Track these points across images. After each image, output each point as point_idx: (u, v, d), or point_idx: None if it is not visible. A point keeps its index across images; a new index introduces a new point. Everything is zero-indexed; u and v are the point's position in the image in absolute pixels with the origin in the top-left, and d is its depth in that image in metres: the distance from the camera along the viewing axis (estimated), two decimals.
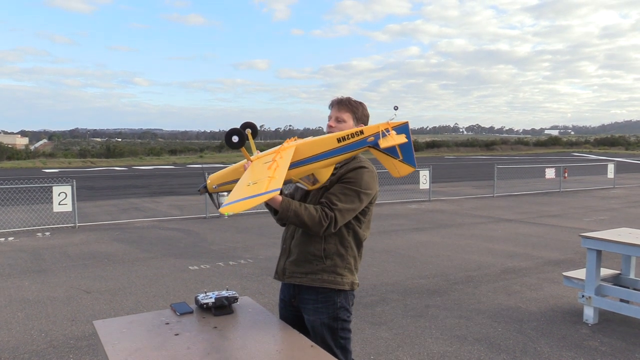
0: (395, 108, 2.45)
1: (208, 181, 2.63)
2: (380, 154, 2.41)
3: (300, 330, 2.43)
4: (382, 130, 2.36)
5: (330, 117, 2.64)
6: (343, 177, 2.49)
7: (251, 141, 2.43)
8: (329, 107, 2.67)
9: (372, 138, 2.37)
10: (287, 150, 2.38)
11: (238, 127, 2.39)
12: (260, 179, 2.15)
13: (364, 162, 2.57)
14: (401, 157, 2.40)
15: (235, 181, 2.47)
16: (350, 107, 2.61)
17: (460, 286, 6.27)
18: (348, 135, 2.38)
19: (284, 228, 2.76)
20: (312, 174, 2.45)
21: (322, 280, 2.52)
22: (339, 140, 2.39)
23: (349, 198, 2.44)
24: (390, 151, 2.38)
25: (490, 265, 7.37)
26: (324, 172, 2.45)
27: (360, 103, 2.65)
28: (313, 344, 2.23)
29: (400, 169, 2.43)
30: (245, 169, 2.46)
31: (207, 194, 2.67)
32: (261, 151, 2.53)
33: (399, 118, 2.43)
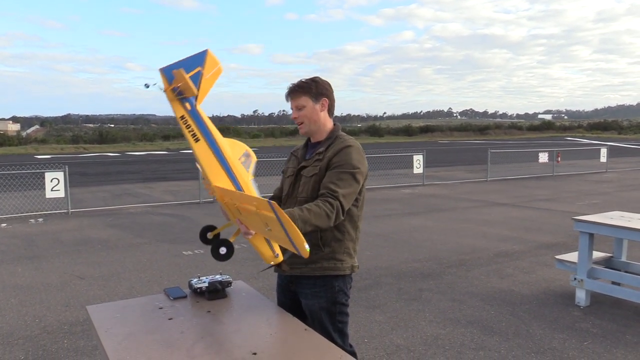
0: (146, 86, 2.16)
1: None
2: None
3: (298, 316, 2.44)
4: (179, 84, 2.11)
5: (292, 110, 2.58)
6: (332, 163, 2.45)
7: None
8: (287, 101, 2.59)
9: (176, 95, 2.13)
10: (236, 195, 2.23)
11: (224, 239, 2.31)
12: (269, 221, 1.93)
13: (347, 140, 2.53)
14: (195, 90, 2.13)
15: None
16: (302, 90, 2.53)
17: (453, 270, 6.30)
18: (185, 126, 2.19)
19: None
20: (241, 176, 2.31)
21: (323, 268, 2.50)
22: (197, 140, 2.21)
23: (347, 182, 2.41)
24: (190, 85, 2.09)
25: (483, 248, 7.41)
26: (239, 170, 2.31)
27: (312, 79, 2.56)
28: (307, 327, 2.23)
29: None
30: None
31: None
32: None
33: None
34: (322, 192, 2.41)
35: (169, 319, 2.29)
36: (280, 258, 2.30)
